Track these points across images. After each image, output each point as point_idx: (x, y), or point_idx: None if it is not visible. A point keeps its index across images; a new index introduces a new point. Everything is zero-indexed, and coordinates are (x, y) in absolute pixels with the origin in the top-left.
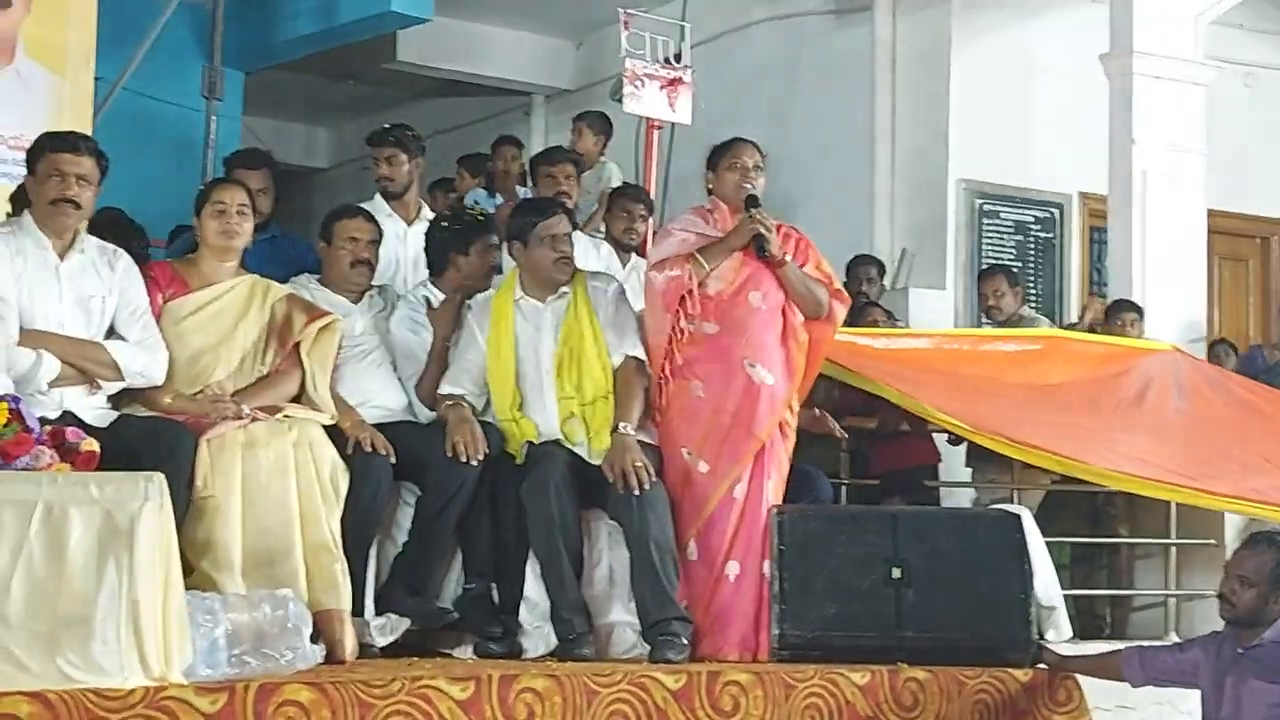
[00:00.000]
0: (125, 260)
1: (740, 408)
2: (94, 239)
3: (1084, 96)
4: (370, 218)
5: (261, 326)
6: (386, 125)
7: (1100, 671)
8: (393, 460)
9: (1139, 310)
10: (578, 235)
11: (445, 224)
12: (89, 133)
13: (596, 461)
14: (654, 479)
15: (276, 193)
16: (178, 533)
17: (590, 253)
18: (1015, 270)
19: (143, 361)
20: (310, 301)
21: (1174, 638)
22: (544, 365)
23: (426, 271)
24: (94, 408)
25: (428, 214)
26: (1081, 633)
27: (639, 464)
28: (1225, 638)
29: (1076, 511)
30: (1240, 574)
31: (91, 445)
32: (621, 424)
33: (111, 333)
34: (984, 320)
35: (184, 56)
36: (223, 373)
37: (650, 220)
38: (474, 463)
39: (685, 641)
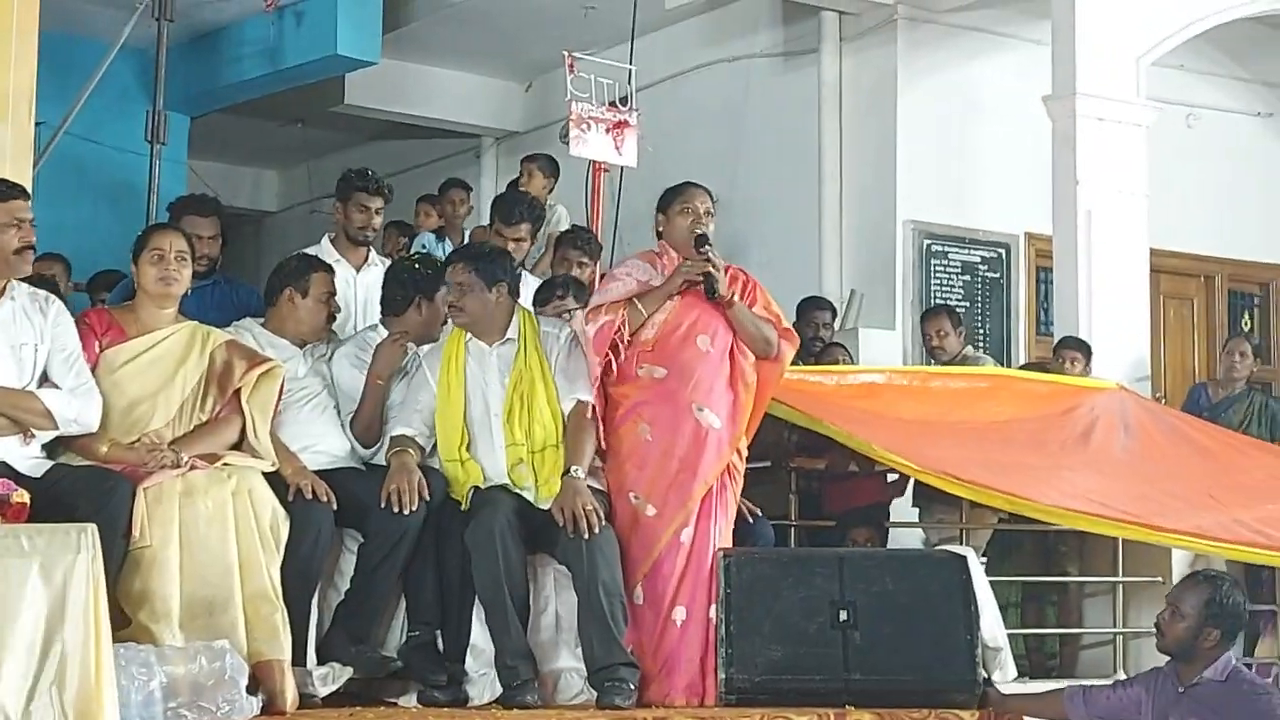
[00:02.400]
0: (57, 306)
1: (688, 452)
2: (24, 285)
3: (1029, 138)
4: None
5: (201, 373)
6: (370, 171)
7: (1043, 711)
8: (334, 506)
9: (1085, 349)
10: (526, 277)
11: (417, 265)
12: (30, 179)
13: (544, 506)
14: (604, 523)
15: (224, 238)
16: (114, 584)
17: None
18: (961, 311)
19: (76, 409)
20: (250, 348)
21: (1121, 675)
22: (492, 408)
23: (377, 313)
24: (28, 457)
25: (376, 259)
26: (1031, 671)
27: (589, 507)
28: (1167, 675)
29: (1028, 550)
30: (1175, 606)
31: (22, 497)
32: (573, 467)
33: (45, 379)
34: (929, 360)
35: (127, 101)
36: (161, 421)
37: (595, 265)
38: (406, 512)
39: (632, 687)
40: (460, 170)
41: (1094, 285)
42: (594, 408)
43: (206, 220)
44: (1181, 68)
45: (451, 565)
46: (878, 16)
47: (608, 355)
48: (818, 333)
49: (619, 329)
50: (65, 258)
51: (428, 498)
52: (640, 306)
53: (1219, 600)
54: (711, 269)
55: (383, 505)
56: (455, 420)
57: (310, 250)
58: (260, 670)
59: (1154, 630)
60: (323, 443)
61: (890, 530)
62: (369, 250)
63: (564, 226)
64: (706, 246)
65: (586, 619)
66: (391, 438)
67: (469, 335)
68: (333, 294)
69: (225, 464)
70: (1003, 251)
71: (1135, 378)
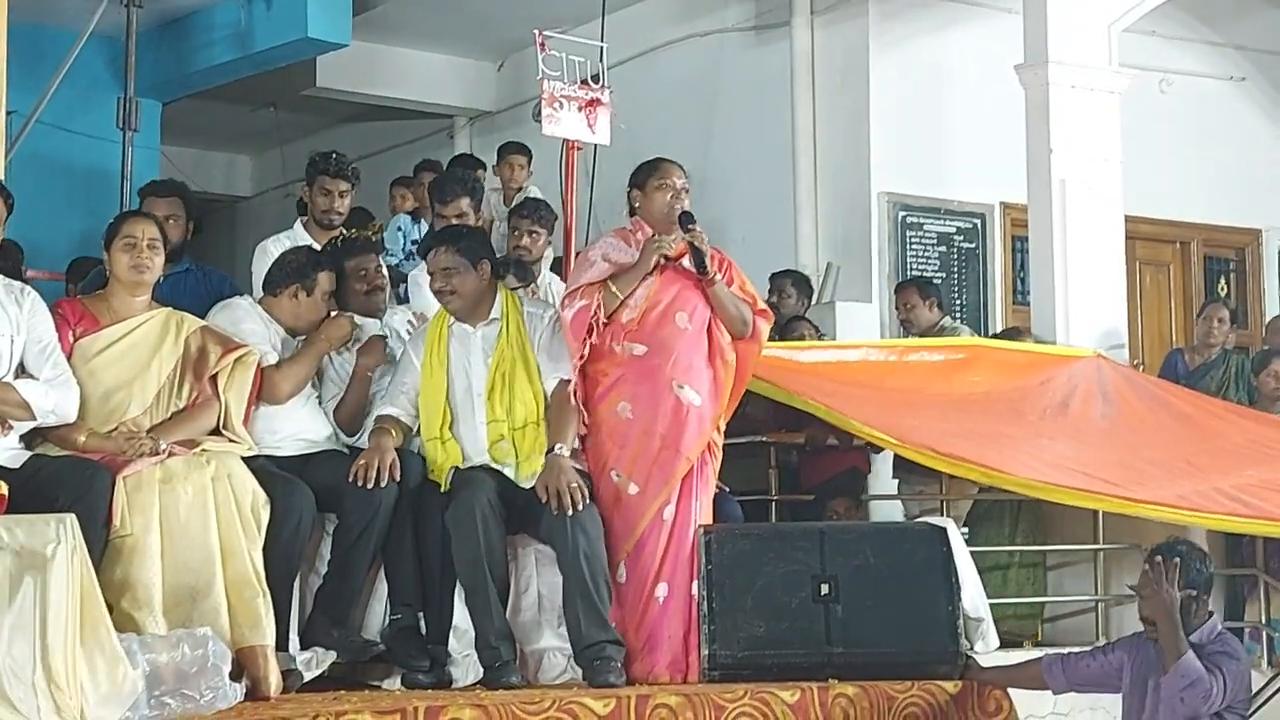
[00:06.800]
0: (32, 297)
1: (669, 429)
2: None
3: (1002, 107)
4: None
5: (176, 360)
6: (335, 154)
7: (1021, 681)
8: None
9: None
10: None
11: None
12: (1, 168)
13: (524, 484)
14: (588, 500)
15: (196, 223)
16: (96, 573)
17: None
18: (937, 281)
19: (54, 399)
20: (224, 334)
21: (1103, 642)
22: (475, 388)
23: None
24: (6, 448)
25: None
26: (1012, 640)
27: (574, 485)
28: (1148, 640)
29: (1009, 517)
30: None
31: (1, 488)
32: (556, 445)
33: (21, 370)
34: (903, 333)
35: (98, 88)
36: (137, 409)
37: (547, 236)
38: (370, 487)
39: (620, 665)
40: (434, 151)
41: (1069, 253)
42: (574, 390)
43: (163, 201)
44: (1154, 33)
45: (432, 547)
46: None
47: (585, 339)
48: (780, 299)
49: (594, 313)
50: (19, 245)
51: (397, 478)
52: (614, 289)
53: (1195, 570)
54: (699, 245)
55: (350, 479)
56: (438, 400)
57: (283, 235)
58: (244, 656)
59: (1143, 623)
60: (306, 429)
61: (869, 502)
62: (340, 234)
63: None
64: (693, 225)
65: (572, 597)
66: (376, 416)
67: (452, 319)
68: (332, 293)
69: (204, 450)
70: (978, 221)
71: (1111, 345)
